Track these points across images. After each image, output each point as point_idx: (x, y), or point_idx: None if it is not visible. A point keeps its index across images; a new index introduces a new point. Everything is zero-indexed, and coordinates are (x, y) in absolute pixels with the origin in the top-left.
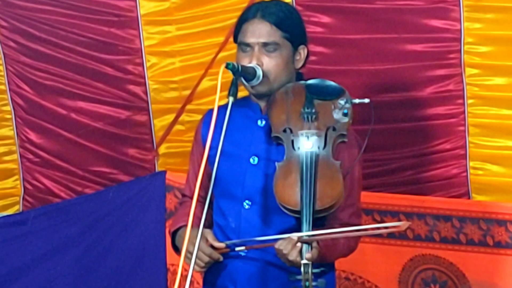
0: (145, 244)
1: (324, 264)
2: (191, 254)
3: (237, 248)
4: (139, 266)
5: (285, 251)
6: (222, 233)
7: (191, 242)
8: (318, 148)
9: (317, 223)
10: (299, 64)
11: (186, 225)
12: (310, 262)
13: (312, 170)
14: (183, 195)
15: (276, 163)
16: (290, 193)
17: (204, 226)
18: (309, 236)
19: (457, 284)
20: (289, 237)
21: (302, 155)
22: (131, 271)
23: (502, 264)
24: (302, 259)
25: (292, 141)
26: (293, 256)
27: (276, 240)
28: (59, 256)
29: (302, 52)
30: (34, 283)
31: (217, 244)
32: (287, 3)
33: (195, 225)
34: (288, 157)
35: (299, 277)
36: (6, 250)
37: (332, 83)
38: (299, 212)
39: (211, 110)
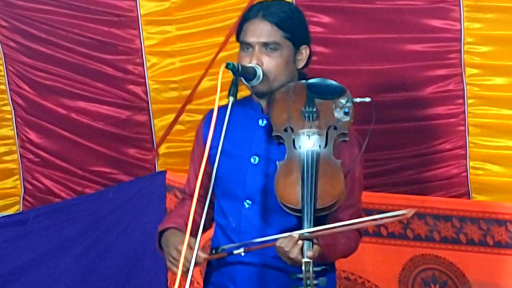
0: (145, 244)
1: (325, 263)
2: (175, 259)
3: (235, 251)
4: (139, 266)
5: (286, 249)
6: (223, 233)
7: (176, 248)
8: (319, 147)
9: (317, 224)
10: (301, 64)
11: (173, 227)
12: (311, 260)
13: (313, 169)
14: (184, 193)
15: (277, 162)
16: (291, 191)
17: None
18: (310, 232)
19: (457, 284)
20: (290, 235)
21: (303, 154)
22: (131, 271)
23: (502, 264)
24: (303, 257)
25: (293, 140)
26: (294, 253)
27: (267, 241)
28: (59, 256)
29: (304, 52)
30: (34, 283)
31: (201, 255)
32: (289, 3)
33: (186, 227)
34: (289, 156)
35: (300, 275)
36: (6, 250)
37: (333, 82)
38: (300, 211)
39: (213, 110)
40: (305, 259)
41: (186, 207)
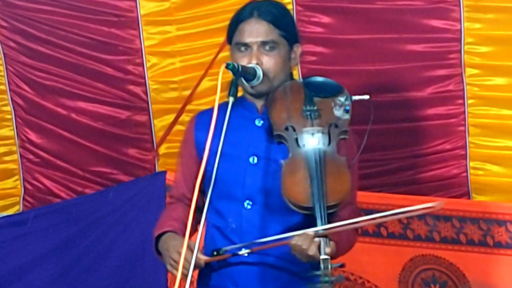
0: (145, 244)
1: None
2: (176, 262)
3: (240, 252)
4: (139, 266)
5: (304, 246)
6: (221, 234)
7: (177, 251)
8: (323, 144)
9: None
10: (294, 62)
11: (171, 231)
12: (329, 257)
13: (321, 167)
14: (170, 197)
15: (282, 161)
16: (299, 190)
17: (192, 230)
18: (325, 229)
19: (457, 284)
20: (304, 233)
21: (309, 152)
22: (131, 271)
23: (502, 264)
24: (320, 254)
25: (296, 139)
26: (313, 251)
27: (279, 240)
28: (59, 256)
29: (297, 50)
30: (34, 283)
31: (201, 257)
32: (279, 2)
33: (181, 231)
34: (293, 155)
35: (318, 272)
36: (6, 250)
37: (330, 80)
38: (309, 209)
39: (202, 112)
40: (323, 256)
41: (177, 211)
